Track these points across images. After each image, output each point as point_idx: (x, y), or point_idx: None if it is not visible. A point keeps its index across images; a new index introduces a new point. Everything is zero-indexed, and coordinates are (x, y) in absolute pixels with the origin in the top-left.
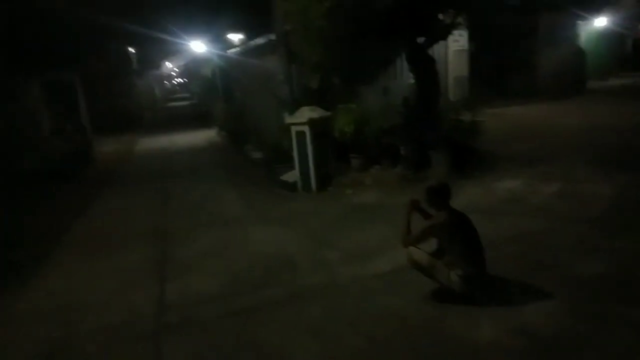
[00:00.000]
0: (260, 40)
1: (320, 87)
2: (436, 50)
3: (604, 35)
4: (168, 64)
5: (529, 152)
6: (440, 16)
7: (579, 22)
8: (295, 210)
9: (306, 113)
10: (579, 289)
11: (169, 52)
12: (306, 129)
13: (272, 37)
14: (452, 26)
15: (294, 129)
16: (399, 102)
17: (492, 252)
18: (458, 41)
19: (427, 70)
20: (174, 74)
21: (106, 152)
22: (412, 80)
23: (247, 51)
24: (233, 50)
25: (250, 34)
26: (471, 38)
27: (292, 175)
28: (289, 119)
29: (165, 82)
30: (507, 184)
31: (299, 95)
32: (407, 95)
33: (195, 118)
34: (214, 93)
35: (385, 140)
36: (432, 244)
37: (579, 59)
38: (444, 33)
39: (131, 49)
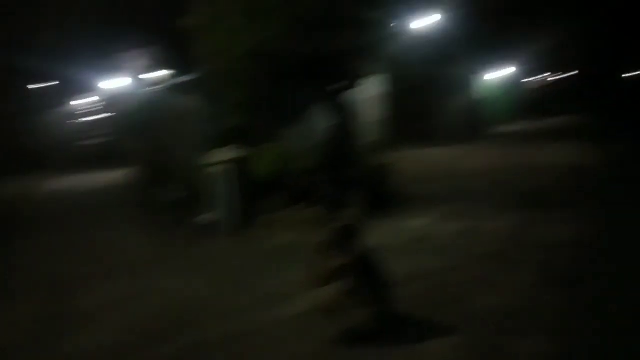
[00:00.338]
0: (183, 78)
1: (241, 127)
2: (354, 95)
3: (505, 85)
4: (84, 100)
5: (438, 192)
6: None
7: (483, 72)
8: (211, 254)
9: (226, 152)
10: (481, 323)
11: (85, 87)
12: (226, 168)
13: (195, 74)
14: (366, 75)
15: (212, 168)
16: (320, 143)
17: (400, 291)
18: (376, 86)
19: (343, 115)
20: (92, 110)
21: (3, 194)
22: (331, 123)
23: (169, 88)
24: (155, 87)
25: (174, 71)
26: (387, 84)
27: (209, 217)
28: (208, 158)
29: (80, 118)
30: (416, 223)
31: (219, 134)
32: (327, 137)
33: (109, 157)
34: (132, 131)
35: (305, 180)
36: (341, 284)
37: (481, 106)
38: (358, 81)
39: (37, 85)
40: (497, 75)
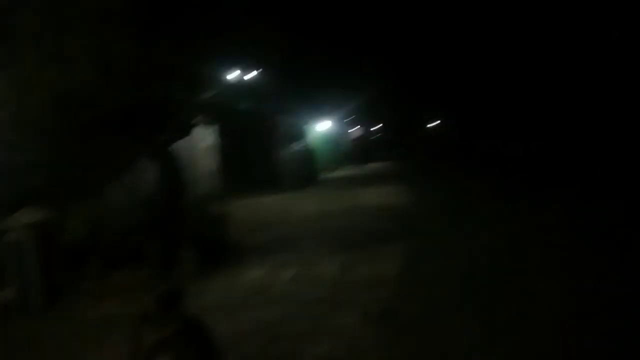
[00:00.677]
0: None
1: (45, 185)
2: (184, 145)
3: (331, 135)
4: None
5: (272, 239)
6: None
7: (311, 124)
8: (9, 340)
9: (24, 216)
10: None
11: None
12: (24, 234)
13: None
14: (193, 125)
15: (6, 236)
16: (147, 198)
17: (233, 352)
18: (208, 137)
19: (170, 167)
20: None
21: None
22: (159, 175)
23: None
24: None
25: None
26: (219, 135)
27: (5, 295)
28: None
29: None
30: (251, 274)
31: (15, 196)
32: (154, 191)
33: None
34: None
35: (130, 239)
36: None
37: (311, 154)
38: (185, 131)
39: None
40: (325, 126)
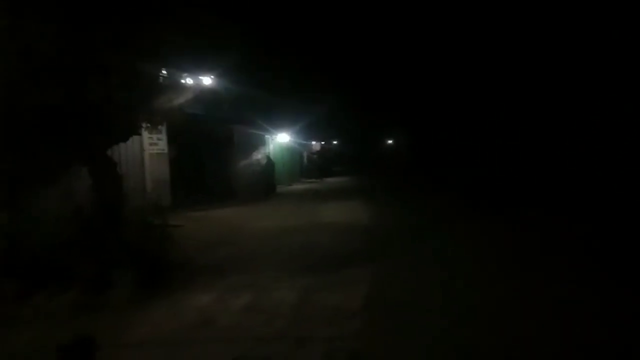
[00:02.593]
0: None
1: None
2: (128, 151)
3: (290, 148)
4: None
5: (225, 259)
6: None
7: (270, 135)
8: None
9: None
10: None
11: None
12: None
13: None
14: (135, 129)
15: None
16: (79, 210)
17: None
18: (157, 144)
19: (107, 174)
20: None
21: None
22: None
23: None
24: None
25: None
26: (172, 141)
27: None
28: None
29: None
30: (198, 301)
31: None
32: (88, 202)
33: None
34: None
35: (56, 256)
36: None
37: (270, 166)
38: (125, 135)
39: None
40: (285, 138)
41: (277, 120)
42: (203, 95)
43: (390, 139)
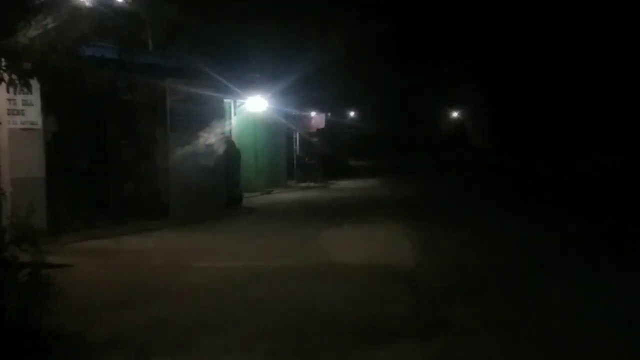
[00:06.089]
0: None
1: None
2: None
3: (267, 125)
4: None
5: (140, 330)
6: None
7: (231, 100)
8: None
9: None
10: None
11: None
12: None
13: None
14: None
15: None
16: None
17: None
18: (23, 112)
19: None
20: None
21: None
22: None
23: None
24: None
25: None
26: (49, 109)
27: None
28: None
29: None
30: None
31: None
32: None
33: None
34: None
35: None
36: None
37: (233, 157)
38: None
39: None
40: (260, 106)
41: (248, 73)
42: (113, 22)
43: (455, 110)
